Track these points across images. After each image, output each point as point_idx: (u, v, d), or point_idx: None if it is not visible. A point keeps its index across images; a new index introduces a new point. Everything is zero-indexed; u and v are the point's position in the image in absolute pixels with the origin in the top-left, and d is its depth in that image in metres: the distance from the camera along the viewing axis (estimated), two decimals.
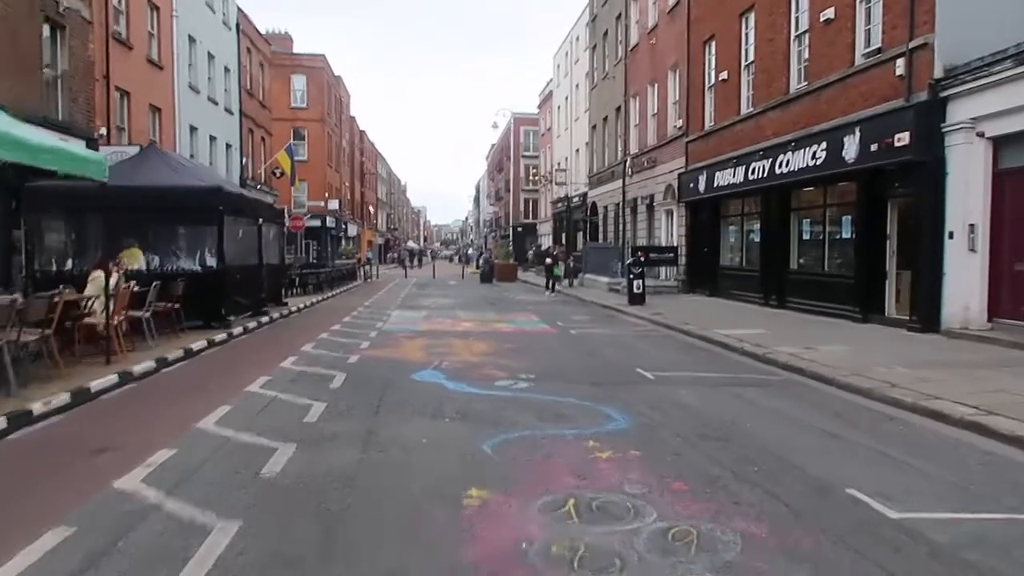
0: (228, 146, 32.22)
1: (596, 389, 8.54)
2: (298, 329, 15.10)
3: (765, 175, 19.13)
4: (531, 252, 56.77)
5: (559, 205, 50.99)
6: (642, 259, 22.23)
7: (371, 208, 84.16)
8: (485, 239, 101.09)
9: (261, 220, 16.70)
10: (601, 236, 38.33)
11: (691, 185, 24.64)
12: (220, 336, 12.69)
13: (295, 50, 56.19)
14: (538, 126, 64.45)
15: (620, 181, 33.83)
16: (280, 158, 37.78)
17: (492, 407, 7.39)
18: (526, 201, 70.27)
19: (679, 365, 10.77)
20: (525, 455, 5.65)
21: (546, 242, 57.10)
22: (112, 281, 12.11)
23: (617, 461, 5.55)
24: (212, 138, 29.75)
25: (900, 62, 13.88)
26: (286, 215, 38.59)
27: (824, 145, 16.25)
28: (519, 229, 67.50)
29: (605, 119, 37.38)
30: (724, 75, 22.22)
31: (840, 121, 15.72)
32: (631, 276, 21.41)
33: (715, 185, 22.55)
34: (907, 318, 13.97)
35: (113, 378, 8.40)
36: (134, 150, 17.53)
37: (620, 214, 34.05)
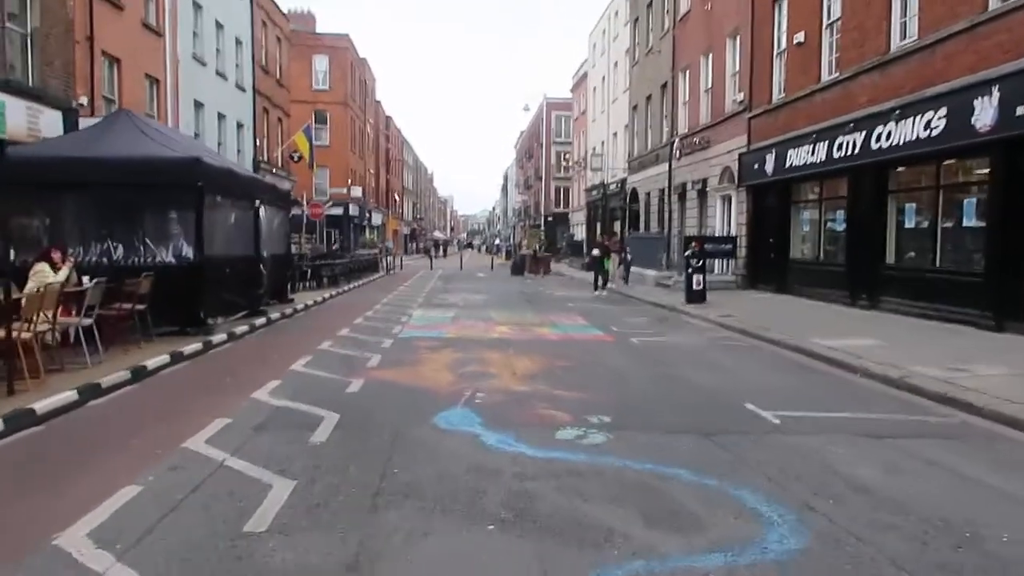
0: (240, 125, 29.69)
1: (708, 446, 5.69)
2: (297, 335, 12.39)
3: (856, 151, 16.04)
4: (564, 242, 53.81)
5: (594, 193, 47.94)
6: (697, 251, 19.28)
7: (397, 196, 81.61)
8: (514, 229, 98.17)
9: (259, 203, 14.00)
10: (642, 225, 35.31)
11: (755, 166, 21.56)
12: (193, 347, 10.00)
13: (318, 30, 53.60)
14: (571, 111, 61.32)
15: (666, 165, 30.69)
16: (297, 140, 35.37)
17: (561, 491, 4.57)
18: (557, 189, 67.28)
19: (798, 397, 7.86)
20: None
21: (579, 232, 54.05)
22: (61, 275, 9.60)
23: None
24: (221, 116, 27.20)
25: None
26: (304, 201, 36.24)
27: (943, 112, 13.16)
28: (550, 219, 64.56)
29: (648, 98, 34.26)
30: (799, 37, 19.06)
31: (967, 81, 12.62)
32: (689, 270, 18.46)
33: (787, 165, 19.47)
34: None
35: None
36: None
37: (666, 201, 30.95)
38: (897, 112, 14.50)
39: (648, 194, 34.35)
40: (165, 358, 9.01)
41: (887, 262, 15.78)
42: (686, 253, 19.12)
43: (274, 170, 33.90)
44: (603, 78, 46.39)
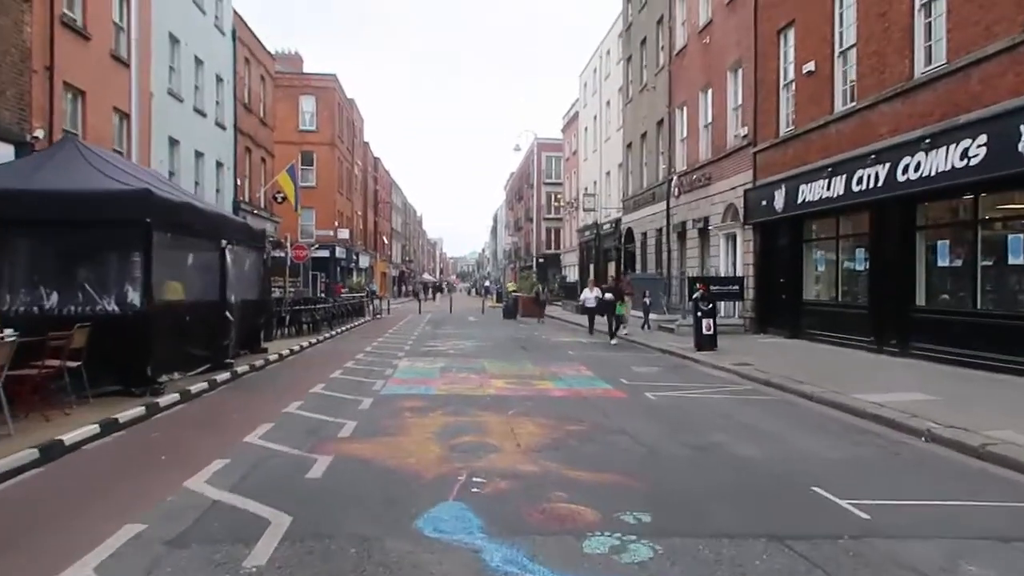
0: (219, 165, 28.37)
1: (791, 560, 4.17)
2: (263, 393, 10.77)
3: (879, 184, 14.82)
4: (556, 284, 52.40)
5: (586, 233, 46.83)
6: (705, 294, 17.91)
7: (385, 239, 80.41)
8: (503, 271, 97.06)
9: (226, 242, 12.52)
10: (639, 266, 34.06)
11: (762, 203, 20.36)
12: (134, 411, 8.40)
13: (305, 71, 52.85)
14: (562, 151, 60.65)
15: (663, 203, 29.59)
16: (281, 180, 34.16)
17: None
18: (548, 230, 66.33)
19: (870, 474, 6.36)
20: None
21: (572, 273, 52.77)
22: None
23: None
24: (199, 154, 25.88)
25: None
26: (288, 243, 34.85)
27: (982, 139, 11.96)
28: (541, 260, 63.39)
29: (643, 135, 33.31)
30: (809, 67, 18.00)
31: (1010, 104, 11.43)
32: (698, 314, 17.08)
33: (798, 201, 18.26)
34: None
35: None
36: None
37: (664, 241, 29.76)
38: (927, 141, 13.29)
39: (645, 234, 33.16)
40: (93, 428, 7.40)
41: (917, 304, 14.45)
42: (694, 296, 17.74)
43: (255, 211, 32.55)
44: (595, 117, 45.65)
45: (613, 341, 20.37)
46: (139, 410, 8.48)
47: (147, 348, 9.37)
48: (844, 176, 16.12)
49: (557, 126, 61.50)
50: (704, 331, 16.92)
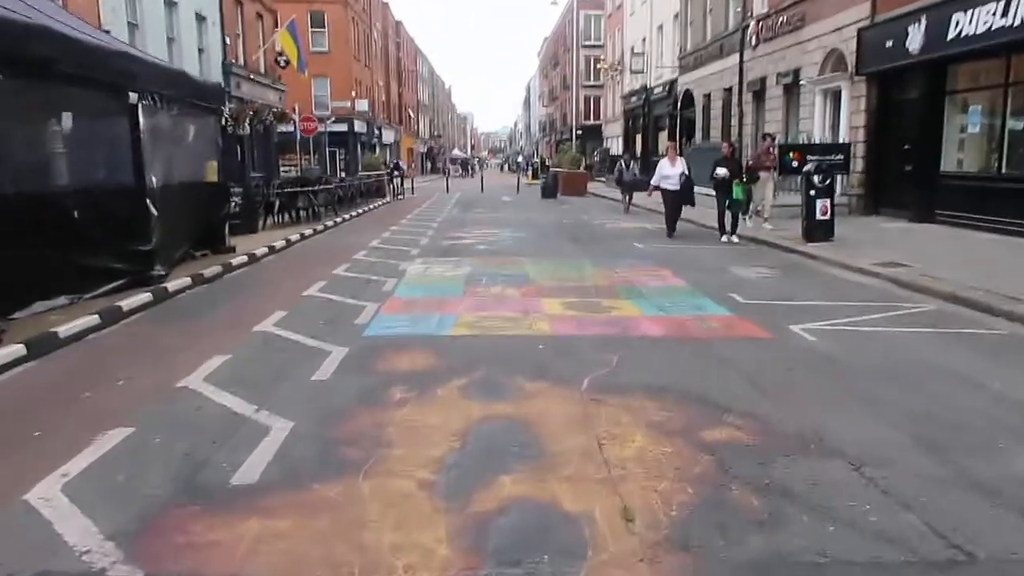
0: (201, 18, 23.59)
1: None
2: (178, 334, 6.72)
3: None
4: (597, 155, 47.06)
5: (633, 99, 41.38)
6: (815, 166, 13.38)
7: (411, 112, 74.89)
8: (537, 145, 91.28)
9: (136, 96, 8.30)
10: (699, 134, 29.16)
11: (887, 44, 15.40)
12: None
13: None
14: (603, 8, 53.84)
15: (732, 58, 24.33)
16: (281, 39, 29.47)
17: None
18: (587, 99, 60.25)
19: None
20: None
21: (615, 145, 47.36)
22: None
23: None
24: (170, 3, 21.18)
25: None
26: (297, 115, 30.48)
27: None
28: (579, 132, 57.92)
29: None
30: None
31: None
32: (811, 193, 12.75)
33: (948, 38, 13.35)
34: None
35: None
36: None
37: (735, 103, 24.68)
38: None
39: (708, 96, 28.01)
40: None
41: None
42: (805, 168, 13.29)
43: (252, 76, 27.95)
44: None
45: (735, 239, 13.96)
46: None
47: None
48: None
49: None
50: (818, 215, 12.69)
